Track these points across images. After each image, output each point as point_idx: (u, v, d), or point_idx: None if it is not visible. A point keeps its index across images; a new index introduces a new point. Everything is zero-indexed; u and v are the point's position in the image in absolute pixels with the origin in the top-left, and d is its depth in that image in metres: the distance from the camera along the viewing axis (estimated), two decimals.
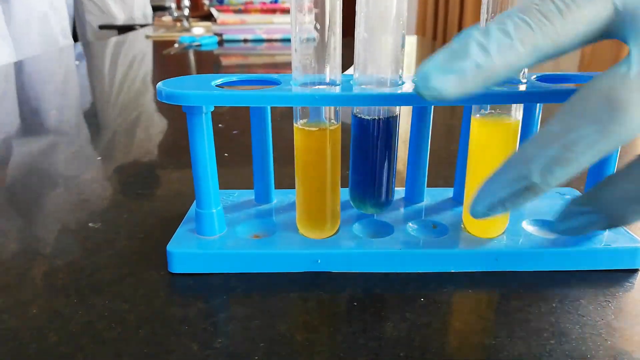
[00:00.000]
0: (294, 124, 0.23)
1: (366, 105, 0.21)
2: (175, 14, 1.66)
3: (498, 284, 0.22)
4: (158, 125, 0.51)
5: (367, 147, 0.24)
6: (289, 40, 1.15)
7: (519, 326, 0.19)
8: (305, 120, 0.23)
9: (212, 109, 0.22)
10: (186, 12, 1.58)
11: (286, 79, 0.23)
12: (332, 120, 0.23)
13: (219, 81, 0.23)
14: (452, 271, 0.23)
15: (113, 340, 0.19)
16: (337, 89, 0.22)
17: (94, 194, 0.32)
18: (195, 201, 0.24)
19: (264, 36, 1.16)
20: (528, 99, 0.22)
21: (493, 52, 0.17)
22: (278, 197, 0.28)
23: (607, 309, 0.20)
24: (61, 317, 0.20)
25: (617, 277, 0.22)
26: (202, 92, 0.21)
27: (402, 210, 0.27)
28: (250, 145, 0.27)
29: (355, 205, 0.26)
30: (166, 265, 0.23)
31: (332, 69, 0.22)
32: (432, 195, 0.29)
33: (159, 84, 0.22)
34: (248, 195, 0.29)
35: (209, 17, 1.71)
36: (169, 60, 0.96)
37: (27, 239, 0.26)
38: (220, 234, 0.24)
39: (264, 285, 0.22)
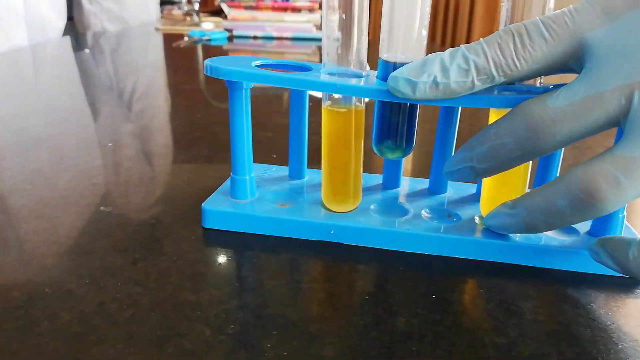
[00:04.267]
0: (322, 105, 0.25)
1: (383, 99, 0.23)
2: (186, 8, 1.66)
3: (510, 285, 0.22)
4: (169, 115, 0.51)
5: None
6: (299, 39, 1.15)
7: (530, 327, 0.19)
8: (332, 102, 0.24)
9: (252, 85, 0.25)
10: (196, 6, 1.59)
11: (317, 66, 0.25)
12: (357, 103, 0.24)
13: (258, 62, 0.25)
14: (457, 257, 0.24)
15: (125, 322, 0.19)
16: (361, 81, 0.23)
17: (105, 179, 0.32)
18: (231, 172, 0.27)
19: (275, 34, 1.16)
20: (498, 104, 0.22)
21: (451, 74, 0.20)
22: (310, 175, 0.30)
23: (617, 313, 0.20)
24: (73, 297, 0.20)
25: (628, 282, 0.22)
26: (244, 69, 0.24)
27: (423, 199, 0.28)
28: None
29: (377, 150, 0.27)
30: (177, 251, 0.23)
31: (357, 62, 0.23)
32: (455, 188, 0.29)
33: (207, 60, 0.24)
34: (284, 171, 0.31)
35: (218, 12, 1.71)
36: (178, 53, 0.96)
37: (39, 221, 0.26)
38: (251, 199, 0.27)
39: (276, 275, 0.22)
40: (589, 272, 0.23)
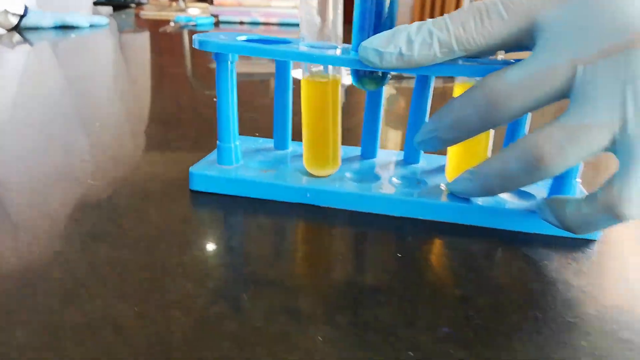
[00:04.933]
0: (302, 77, 0.27)
1: (354, 67, 0.24)
2: None
3: (472, 244, 0.24)
4: (157, 98, 0.52)
5: (369, 21, 0.26)
6: (286, 24, 1.16)
7: (486, 281, 0.21)
8: (311, 74, 0.26)
9: (237, 58, 0.27)
10: None
11: (297, 41, 0.27)
12: (334, 73, 0.26)
13: (243, 37, 0.27)
14: (419, 219, 0.26)
15: (115, 280, 0.20)
16: (337, 52, 0.25)
17: (94, 156, 0.34)
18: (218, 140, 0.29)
19: (261, 19, 1.16)
20: (462, 72, 0.24)
21: (416, 47, 0.22)
22: (293, 146, 0.32)
23: (568, 269, 0.22)
24: (65, 259, 0.21)
25: (579, 243, 0.24)
26: (230, 42, 0.26)
27: (396, 168, 0.30)
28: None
29: (355, 82, 0.28)
30: (166, 220, 0.25)
31: (334, 34, 0.26)
32: (428, 160, 0.31)
33: (195, 35, 0.26)
34: (270, 142, 0.33)
35: None
36: (164, 38, 0.96)
37: (29, 192, 0.28)
38: (236, 165, 0.29)
39: (254, 242, 0.24)
40: (545, 233, 0.25)
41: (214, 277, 0.21)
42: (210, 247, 0.23)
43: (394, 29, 0.23)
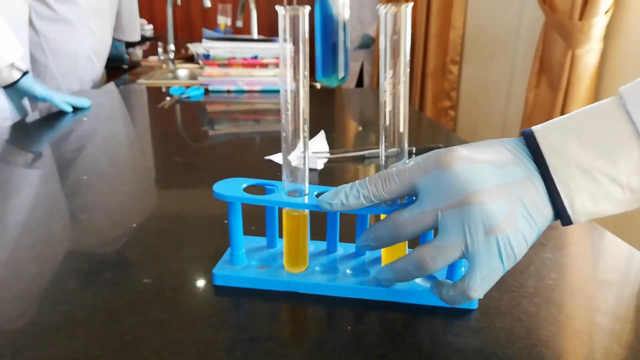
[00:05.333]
0: (283, 210, 0.41)
1: (316, 210, 0.39)
2: (162, 57, 1.81)
3: (394, 316, 0.38)
4: (172, 191, 0.66)
5: (331, 35, 0.40)
6: (267, 91, 1.32)
7: (399, 343, 0.35)
8: (289, 208, 0.41)
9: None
10: (172, 55, 1.74)
11: (280, 185, 0.41)
12: (303, 210, 0.41)
13: (245, 185, 0.42)
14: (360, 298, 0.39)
15: (170, 355, 0.34)
16: (305, 198, 0.40)
17: (140, 254, 0.47)
18: (229, 247, 0.43)
19: (245, 87, 1.32)
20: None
21: (350, 199, 0.37)
22: (280, 244, 0.46)
23: (451, 332, 0.37)
24: (124, 350, 0.35)
25: (462, 312, 0.39)
26: (237, 195, 0.40)
27: (350, 260, 0.44)
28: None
29: (323, 80, 0.43)
30: (199, 308, 0.39)
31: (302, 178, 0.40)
32: (376, 252, 0.45)
33: (215, 186, 0.41)
34: (264, 240, 0.46)
35: (192, 58, 1.86)
36: (162, 112, 1.10)
37: (75, 299, 0.41)
38: (242, 265, 0.43)
39: (259, 318, 0.38)
40: (443, 305, 0.39)
41: (238, 349, 0.34)
42: (231, 330, 0.37)
43: (336, 188, 0.38)
